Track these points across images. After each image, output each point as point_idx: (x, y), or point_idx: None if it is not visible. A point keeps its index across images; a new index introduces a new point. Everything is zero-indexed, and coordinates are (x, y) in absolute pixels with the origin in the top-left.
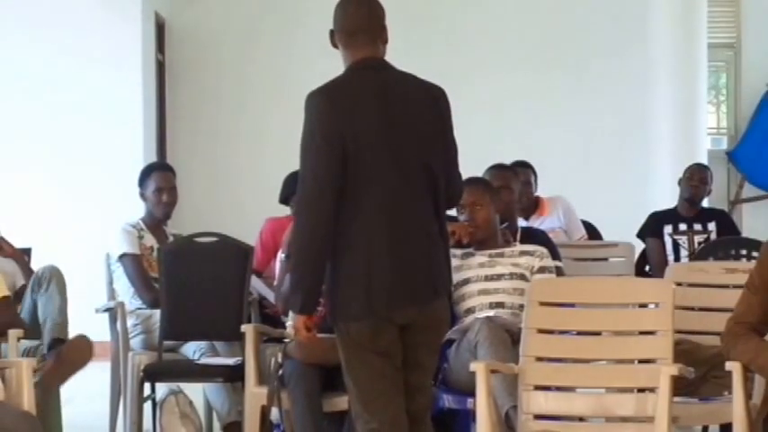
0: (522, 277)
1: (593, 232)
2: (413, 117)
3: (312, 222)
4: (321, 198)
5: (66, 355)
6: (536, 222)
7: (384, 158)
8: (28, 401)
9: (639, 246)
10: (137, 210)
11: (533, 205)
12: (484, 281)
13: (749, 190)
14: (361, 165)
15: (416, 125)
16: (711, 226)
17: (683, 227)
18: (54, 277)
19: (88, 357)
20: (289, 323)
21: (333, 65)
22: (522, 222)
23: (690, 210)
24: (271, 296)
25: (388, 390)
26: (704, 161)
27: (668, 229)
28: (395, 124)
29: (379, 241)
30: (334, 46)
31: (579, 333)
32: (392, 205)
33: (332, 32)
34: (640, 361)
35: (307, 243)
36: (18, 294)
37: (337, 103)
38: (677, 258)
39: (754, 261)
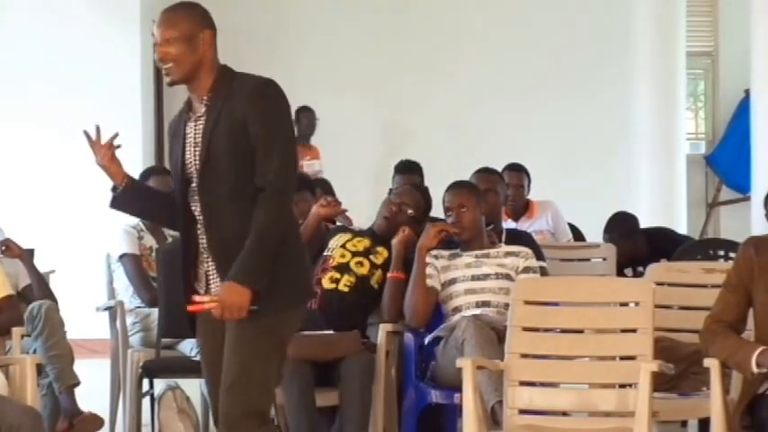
0: (508, 277)
1: (576, 234)
2: None
3: (289, 210)
4: (294, 188)
5: (78, 427)
6: (525, 225)
7: None
8: (31, 397)
9: None
10: None
11: (524, 208)
12: (470, 280)
13: (727, 193)
14: None
15: None
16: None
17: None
18: (46, 318)
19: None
20: None
21: (326, 70)
22: (509, 224)
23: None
24: None
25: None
26: (683, 165)
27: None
28: None
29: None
30: (196, 46)
31: (563, 331)
32: None
33: (213, 33)
34: (622, 358)
35: (281, 230)
36: (21, 294)
37: None
38: None
39: (731, 261)
